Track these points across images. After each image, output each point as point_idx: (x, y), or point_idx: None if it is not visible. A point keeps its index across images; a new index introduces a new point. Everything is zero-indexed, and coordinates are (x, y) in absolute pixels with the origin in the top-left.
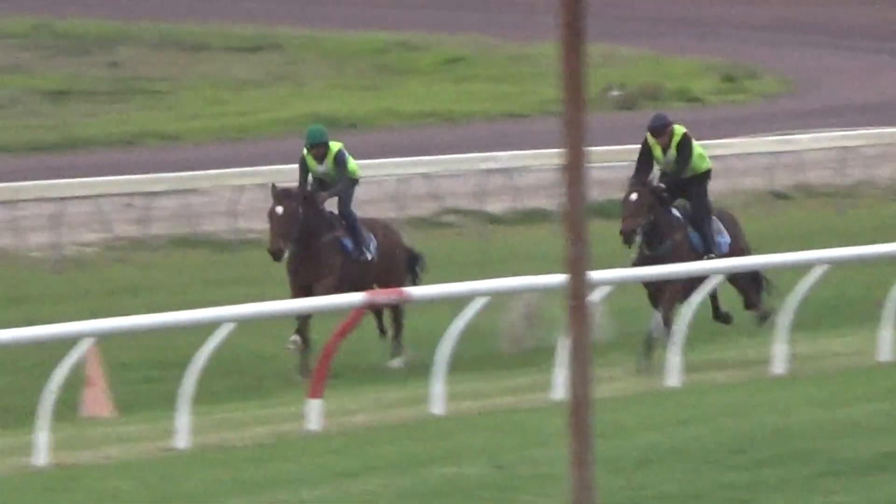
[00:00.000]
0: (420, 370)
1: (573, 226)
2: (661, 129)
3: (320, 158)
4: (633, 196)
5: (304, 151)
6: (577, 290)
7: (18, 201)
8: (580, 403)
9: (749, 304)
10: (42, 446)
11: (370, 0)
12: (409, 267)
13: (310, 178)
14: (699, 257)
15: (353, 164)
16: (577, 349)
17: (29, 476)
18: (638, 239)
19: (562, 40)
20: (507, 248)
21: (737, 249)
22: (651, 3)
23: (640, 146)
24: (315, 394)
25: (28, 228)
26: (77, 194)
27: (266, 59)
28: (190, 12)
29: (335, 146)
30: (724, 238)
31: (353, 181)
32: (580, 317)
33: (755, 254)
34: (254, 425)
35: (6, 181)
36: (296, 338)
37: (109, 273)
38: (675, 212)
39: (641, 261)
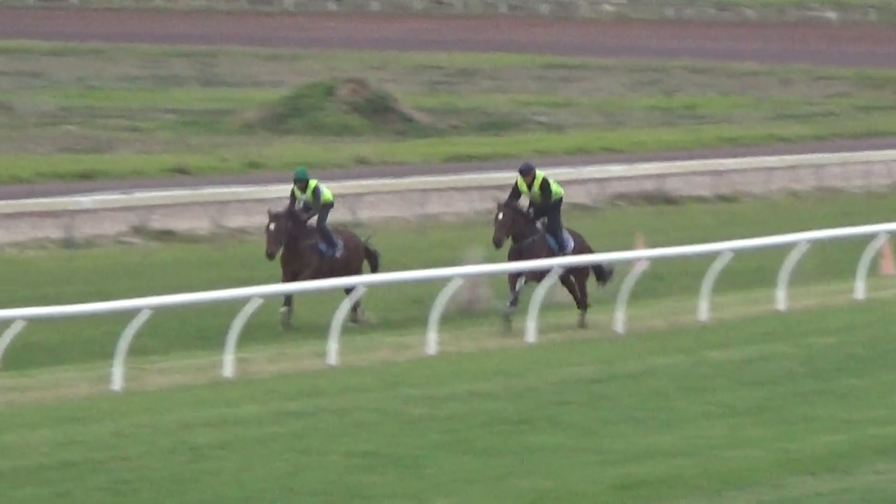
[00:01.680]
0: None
1: None
2: (526, 172)
3: (302, 190)
4: (500, 215)
5: (292, 185)
6: None
7: None
8: None
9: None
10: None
11: None
12: (367, 259)
13: (298, 203)
14: (554, 253)
15: (327, 193)
16: None
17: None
18: (508, 241)
19: None
20: None
21: (583, 248)
22: None
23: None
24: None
25: None
26: None
27: None
28: None
29: (313, 182)
30: (571, 242)
31: (328, 205)
32: None
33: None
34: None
35: None
36: (284, 309)
37: None
38: (538, 224)
39: (513, 253)
